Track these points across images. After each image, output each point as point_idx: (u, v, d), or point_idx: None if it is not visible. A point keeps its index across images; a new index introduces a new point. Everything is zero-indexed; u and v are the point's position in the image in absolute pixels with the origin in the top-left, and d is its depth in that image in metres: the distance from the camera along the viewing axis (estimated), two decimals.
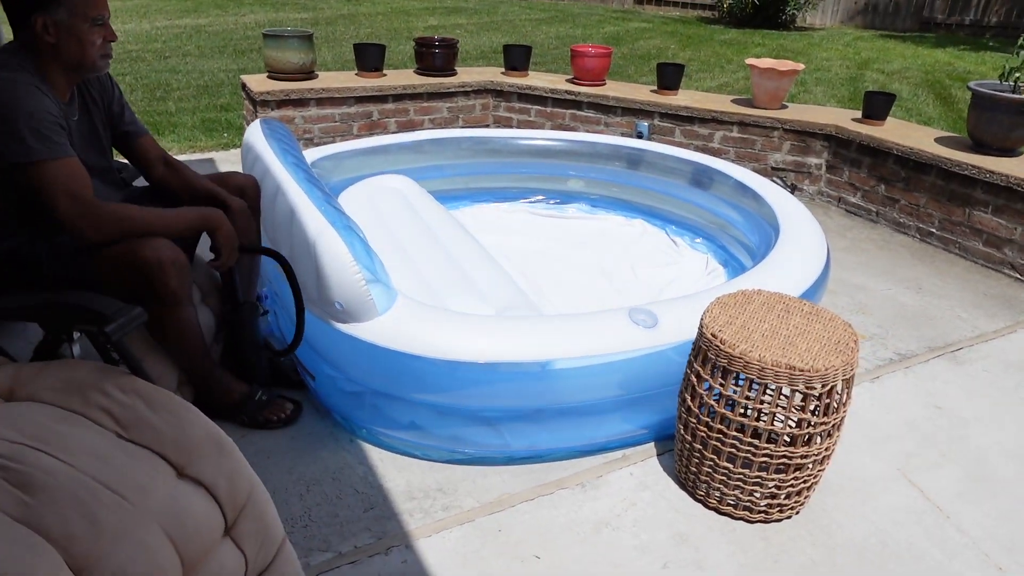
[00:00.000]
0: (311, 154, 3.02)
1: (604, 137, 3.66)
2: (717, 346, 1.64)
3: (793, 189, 4.08)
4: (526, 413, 1.91)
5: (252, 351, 2.06)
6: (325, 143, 4.17)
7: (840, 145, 3.92)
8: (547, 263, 3.04)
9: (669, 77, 4.33)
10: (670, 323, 1.93)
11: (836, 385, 1.60)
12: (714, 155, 4.16)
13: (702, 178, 3.37)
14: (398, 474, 1.88)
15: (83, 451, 1.21)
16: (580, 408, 1.94)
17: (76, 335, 1.45)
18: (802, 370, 1.55)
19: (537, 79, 4.60)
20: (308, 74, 4.16)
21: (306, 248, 1.84)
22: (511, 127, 4.63)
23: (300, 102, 4.03)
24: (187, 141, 4.31)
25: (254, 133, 2.51)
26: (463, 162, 3.54)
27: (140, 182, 2.13)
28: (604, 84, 4.52)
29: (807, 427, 1.62)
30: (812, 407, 1.61)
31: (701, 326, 1.71)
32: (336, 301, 1.80)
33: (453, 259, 2.47)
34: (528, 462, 1.95)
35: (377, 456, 1.94)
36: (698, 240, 3.34)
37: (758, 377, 1.58)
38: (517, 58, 4.62)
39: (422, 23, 8.87)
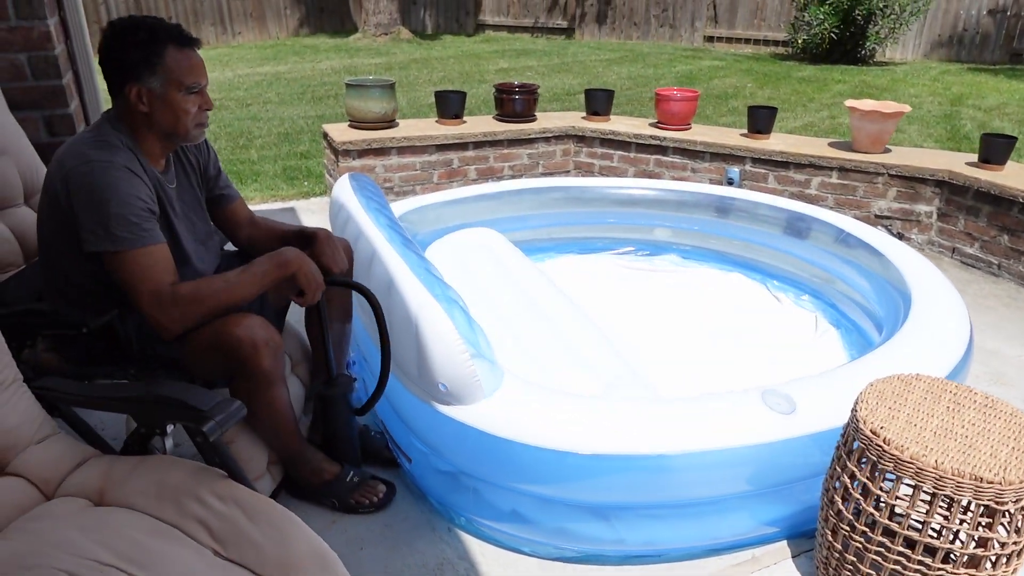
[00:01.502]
0: (398, 207, 2.92)
1: (697, 185, 3.47)
2: (880, 446, 1.41)
3: (900, 238, 3.78)
4: (643, 506, 1.72)
5: (345, 428, 1.93)
6: (406, 191, 4.11)
7: (954, 192, 3.62)
8: (643, 322, 2.85)
9: (761, 120, 4.12)
10: (809, 408, 1.71)
11: None
12: (811, 202, 3.90)
13: (806, 229, 3.13)
14: (502, 573, 1.70)
15: (177, 574, 1.07)
16: (705, 502, 1.73)
17: (170, 428, 1.34)
18: (991, 482, 1.31)
19: (619, 123, 4.45)
20: (389, 123, 4.12)
21: (406, 324, 1.70)
22: (593, 173, 4.48)
23: (381, 151, 3.99)
24: (269, 190, 4.32)
25: (344, 191, 2.42)
26: (550, 212, 3.41)
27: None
28: (690, 128, 4.35)
29: (994, 547, 1.37)
30: (1001, 524, 1.36)
31: (857, 420, 1.49)
32: (440, 382, 1.65)
33: (554, 325, 2.31)
34: (645, 561, 1.74)
35: (479, 549, 1.77)
36: (804, 297, 3.09)
37: (935, 487, 1.35)
38: (599, 102, 4.49)
39: (493, 66, 8.89)
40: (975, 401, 1.53)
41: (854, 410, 1.52)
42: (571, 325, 2.32)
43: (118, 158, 1.55)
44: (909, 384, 1.59)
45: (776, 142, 4.09)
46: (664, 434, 1.62)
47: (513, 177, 4.37)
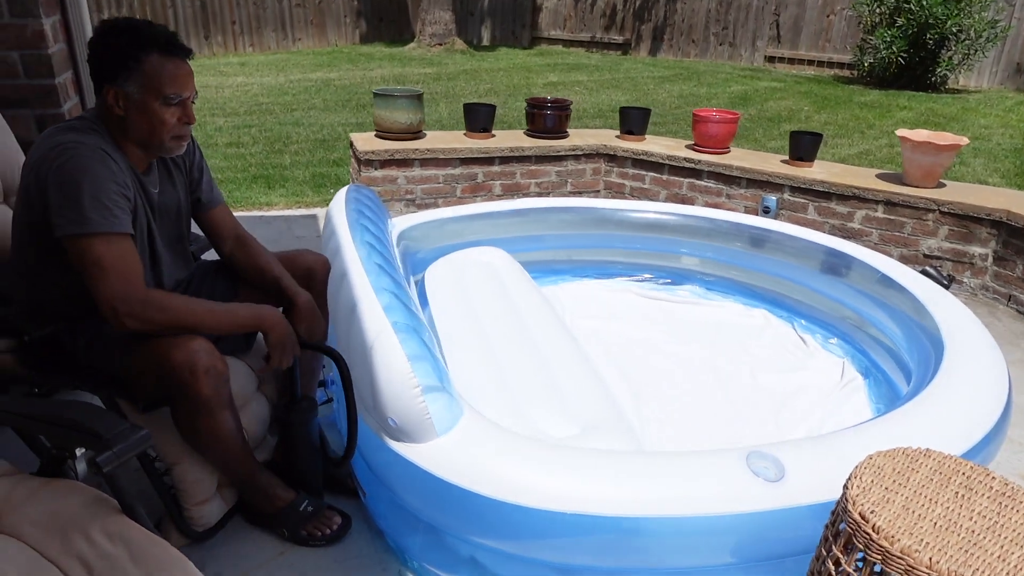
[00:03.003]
0: (402, 222, 2.82)
1: (725, 213, 3.27)
2: (868, 534, 1.22)
3: (950, 281, 3.49)
4: (611, 570, 1.55)
5: (305, 455, 1.82)
6: (428, 204, 4.03)
7: (1012, 234, 3.32)
8: (650, 358, 2.67)
9: (804, 147, 3.89)
10: (801, 475, 1.52)
11: None
12: (853, 237, 3.65)
13: (841, 267, 2.90)
14: None
15: None
16: (680, 571, 1.55)
17: (79, 451, 1.25)
18: None
19: (654, 144, 4.28)
20: (415, 134, 4.05)
21: (362, 351, 1.59)
22: (623, 194, 4.32)
23: (404, 162, 3.91)
24: (294, 196, 4.30)
25: (337, 203, 2.34)
26: (564, 233, 3.26)
27: (210, 255, 1.98)
28: (728, 152, 4.14)
29: None
30: None
31: (846, 499, 1.29)
32: (389, 416, 1.53)
33: (542, 356, 2.16)
34: None
35: None
36: (832, 341, 2.86)
37: None
38: (634, 121, 4.33)
39: (542, 80, 8.80)
40: (991, 488, 1.32)
41: (845, 487, 1.33)
42: (561, 358, 2.17)
43: (91, 140, 1.49)
44: (915, 460, 1.38)
45: (819, 170, 3.85)
46: (631, 494, 1.46)
47: (540, 195, 4.24)
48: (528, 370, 2.11)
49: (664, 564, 1.53)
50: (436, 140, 4.07)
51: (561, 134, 4.30)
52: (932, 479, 1.34)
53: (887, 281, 2.65)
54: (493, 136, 4.23)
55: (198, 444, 1.60)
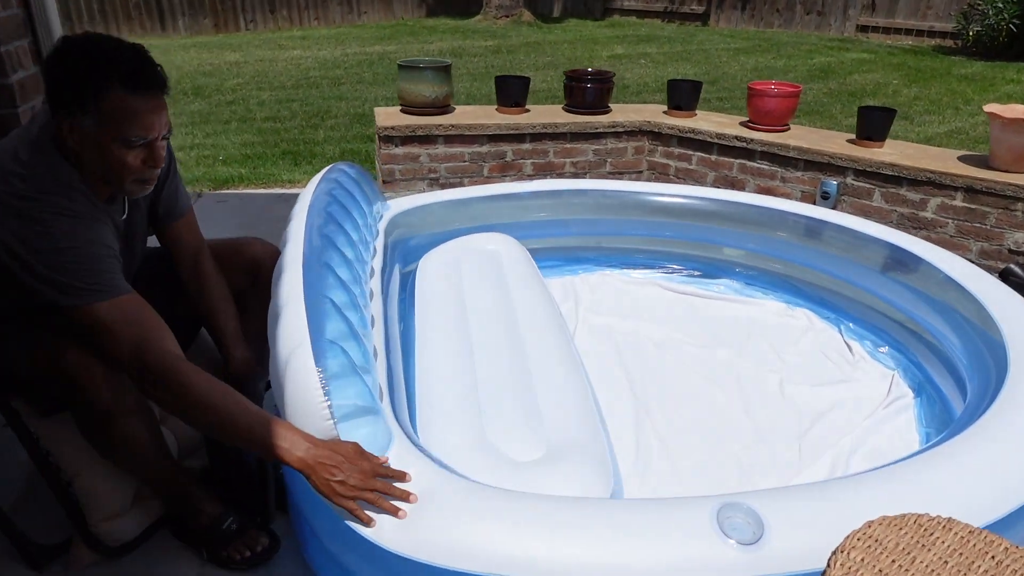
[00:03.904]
0: (396, 205, 2.61)
1: (766, 198, 2.90)
2: None
3: None
4: None
5: (229, 463, 1.65)
6: (452, 185, 3.80)
7: None
8: (667, 362, 2.37)
9: (874, 124, 3.42)
10: (786, 535, 1.22)
11: None
12: (926, 229, 3.19)
13: (899, 264, 2.49)
14: None
15: None
16: None
17: None
18: None
19: (704, 121, 3.88)
20: (442, 108, 3.81)
21: (277, 366, 1.38)
22: (668, 175, 3.96)
23: (427, 139, 3.69)
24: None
25: (310, 185, 2.14)
26: (585, 218, 2.96)
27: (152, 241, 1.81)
28: (787, 130, 3.70)
29: None
30: None
31: None
32: None
33: (525, 364, 1.90)
34: None
35: None
36: (883, 349, 2.47)
37: None
38: (683, 95, 3.94)
39: (607, 52, 8.38)
40: None
41: (829, 564, 1.03)
42: (546, 364, 1.91)
43: (75, 204, 1.32)
44: (928, 534, 1.06)
45: (889, 151, 3.38)
46: (567, 556, 1.19)
47: (575, 175, 3.94)
48: (506, 380, 1.86)
49: None
50: (463, 115, 3.82)
51: (602, 109, 3.97)
52: (947, 562, 1.02)
53: (949, 282, 2.24)
54: (527, 111, 3.94)
55: (105, 454, 1.44)
